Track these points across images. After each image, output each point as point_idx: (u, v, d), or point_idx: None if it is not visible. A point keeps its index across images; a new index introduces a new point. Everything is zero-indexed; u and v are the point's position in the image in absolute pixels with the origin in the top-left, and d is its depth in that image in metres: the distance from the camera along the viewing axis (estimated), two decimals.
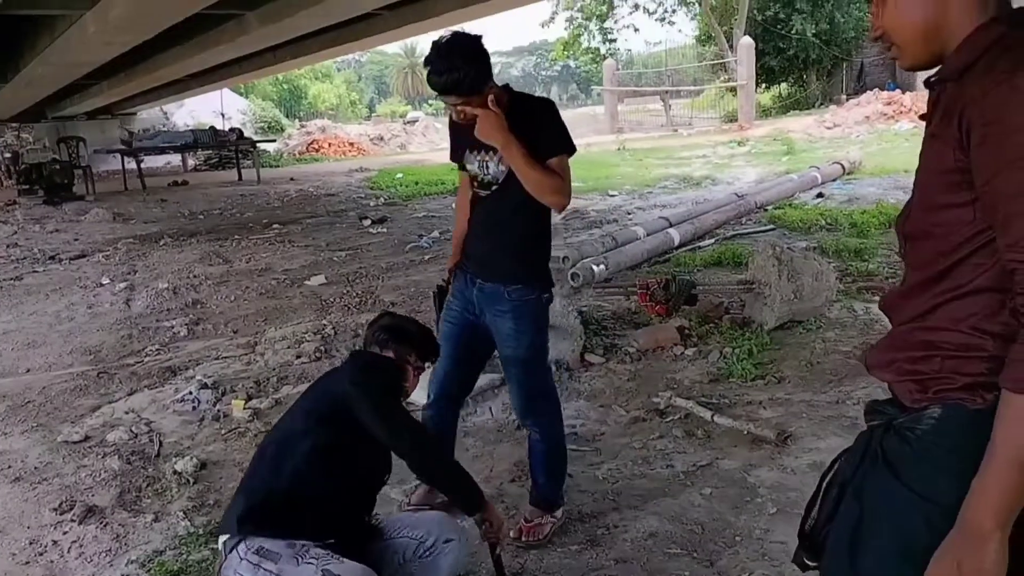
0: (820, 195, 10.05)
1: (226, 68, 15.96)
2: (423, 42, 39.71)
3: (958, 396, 1.23)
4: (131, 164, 17.66)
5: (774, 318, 4.93)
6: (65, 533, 3.19)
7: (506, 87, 2.65)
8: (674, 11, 30.94)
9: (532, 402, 2.89)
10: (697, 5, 28.54)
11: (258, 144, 20.08)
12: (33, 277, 8.39)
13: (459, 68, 2.42)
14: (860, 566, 1.32)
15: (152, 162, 20.37)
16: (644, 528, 2.95)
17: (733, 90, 24.90)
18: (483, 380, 3.75)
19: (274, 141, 24.93)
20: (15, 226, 12.13)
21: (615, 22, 30.64)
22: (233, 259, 8.74)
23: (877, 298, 5.45)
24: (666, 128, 25.52)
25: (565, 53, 33.30)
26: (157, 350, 5.55)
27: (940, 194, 1.25)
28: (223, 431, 4.11)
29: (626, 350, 4.80)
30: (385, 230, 10.27)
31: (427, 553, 2.29)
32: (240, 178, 18.29)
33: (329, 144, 25.77)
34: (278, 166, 22.48)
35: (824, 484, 1.48)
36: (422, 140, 28.72)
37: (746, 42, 23.76)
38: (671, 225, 7.89)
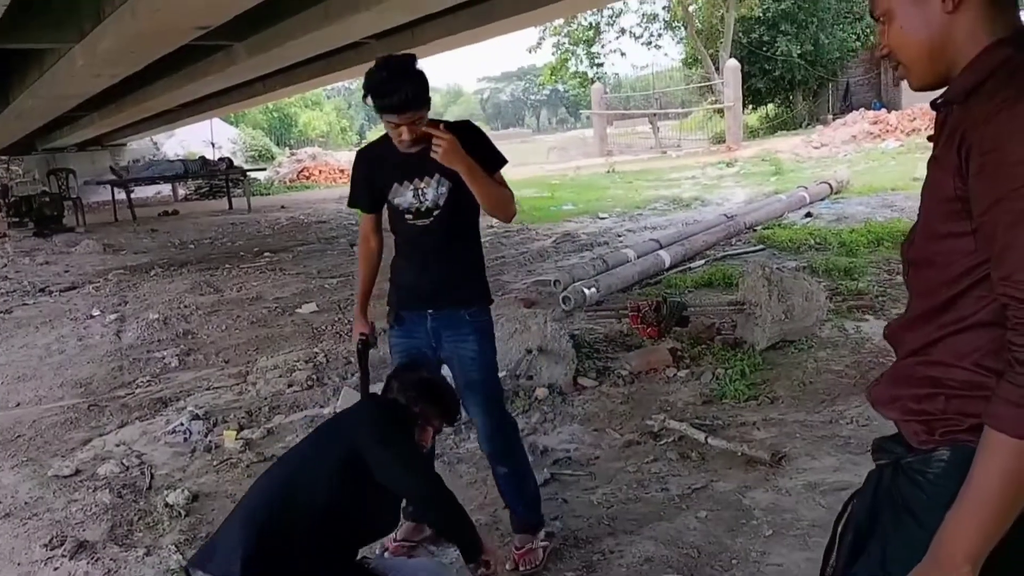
0: (809, 215, 10.12)
1: (216, 98, 15.99)
2: None
3: (965, 439, 1.20)
4: (121, 195, 17.68)
5: (766, 338, 4.94)
6: (56, 569, 3.15)
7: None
8: (660, 35, 31.23)
9: (500, 431, 2.88)
10: (683, 29, 28.82)
11: (248, 173, 20.08)
12: (23, 310, 8.35)
13: (412, 81, 2.43)
14: None
15: (142, 192, 20.38)
16: (640, 553, 2.93)
17: (720, 111, 25.09)
18: None
19: (264, 169, 24.92)
20: (5, 259, 12.10)
21: (602, 47, 30.90)
22: (224, 288, 8.72)
23: (868, 317, 5.48)
24: (655, 150, 25.66)
25: (553, 78, 33.48)
26: (148, 381, 5.53)
27: (941, 222, 1.22)
28: (215, 462, 4.08)
29: (619, 373, 4.80)
30: None
31: None
32: (230, 207, 18.31)
33: (320, 171, 25.80)
34: (269, 194, 22.50)
35: (839, 530, 1.45)
36: None
37: (732, 64, 24.00)
38: (661, 247, 7.93)
